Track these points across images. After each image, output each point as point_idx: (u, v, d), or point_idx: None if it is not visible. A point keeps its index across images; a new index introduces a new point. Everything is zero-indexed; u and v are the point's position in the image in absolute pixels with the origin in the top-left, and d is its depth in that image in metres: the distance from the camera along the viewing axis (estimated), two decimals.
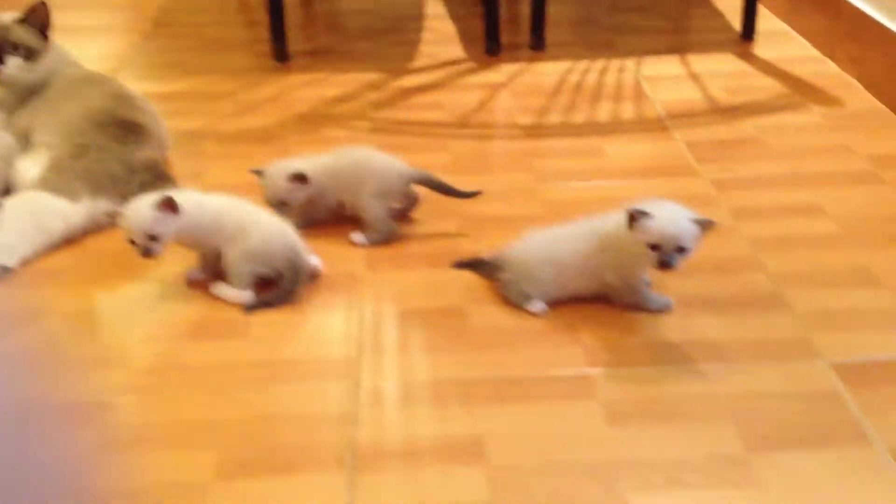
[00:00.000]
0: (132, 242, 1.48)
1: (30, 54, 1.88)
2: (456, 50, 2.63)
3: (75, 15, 1.97)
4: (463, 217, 1.75)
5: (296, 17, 2.89)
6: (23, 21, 1.88)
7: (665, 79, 2.37)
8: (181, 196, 1.49)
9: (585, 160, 1.97)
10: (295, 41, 2.61)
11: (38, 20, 1.89)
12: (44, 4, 1.89)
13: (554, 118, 2.18)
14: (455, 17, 2.89)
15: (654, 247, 1.35)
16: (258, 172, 1.71)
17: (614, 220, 1.45)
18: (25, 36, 1.87)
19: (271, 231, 1.54)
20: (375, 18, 2.89)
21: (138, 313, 1.51)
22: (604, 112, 2.20)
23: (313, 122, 2.19)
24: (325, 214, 1.74)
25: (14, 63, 1.86)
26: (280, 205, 1.66)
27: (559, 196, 1.83)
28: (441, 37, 2.73)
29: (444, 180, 1.71)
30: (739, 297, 1.49)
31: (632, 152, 1.99)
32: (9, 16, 1.90)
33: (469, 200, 1.74)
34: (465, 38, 2.72)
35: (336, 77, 2.45)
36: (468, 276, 1.58)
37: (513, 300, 1.49)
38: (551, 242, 1.49)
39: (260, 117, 2.22)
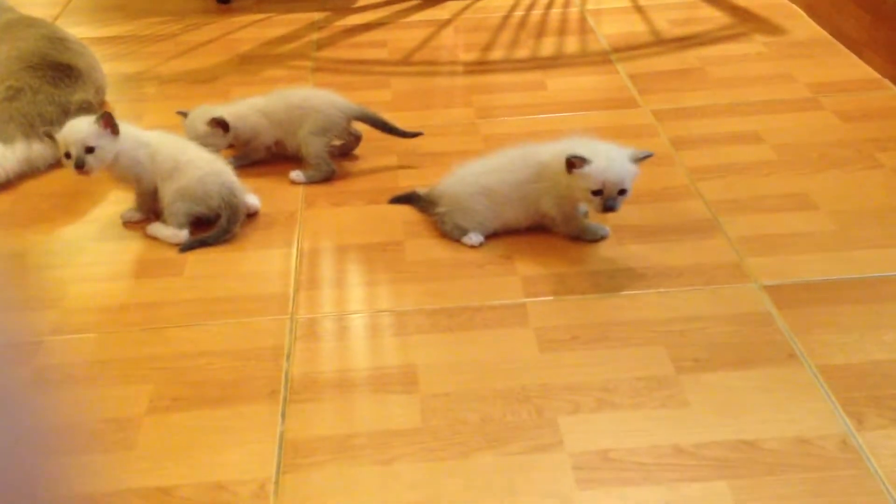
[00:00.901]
0: (67, 156, 1.45)
1: None
2: None
3: None
4: (403, 153, 1.74)
5: None
6: None
7: (610, 12, 2.35)
8: (125, 127, 1.48)
9: (527, 95, 1.96)
10: None
11: None
12: None
13: (497, 54, 2.16)
14: None
15: (596, 192, 1.35)
16: (183, 114, 1.68)
17: (549, 149, 1.44)
18: None
19: (207, 171, 1.52)
20: None
21: (74, 255, 1.49)
22: (548, 47, 2.18)
23: (255, 62, 2.16)
24: (263, 154, 1.72)
25: None
26: None
27: (499, 131, 1.83)
28: None
29: (385, 118, 1.69)
30: (676, 224, 1.50)
31: (574, 86, 1.98)
32: None
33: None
34: None
35: (278, 18, 2.41)
36: (407, 210, 1.58)
37: (449, 234, 1.49)
38: (483, 174, 1.48)
39: (201, 59, 2.18)
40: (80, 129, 1.45)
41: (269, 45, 2.25)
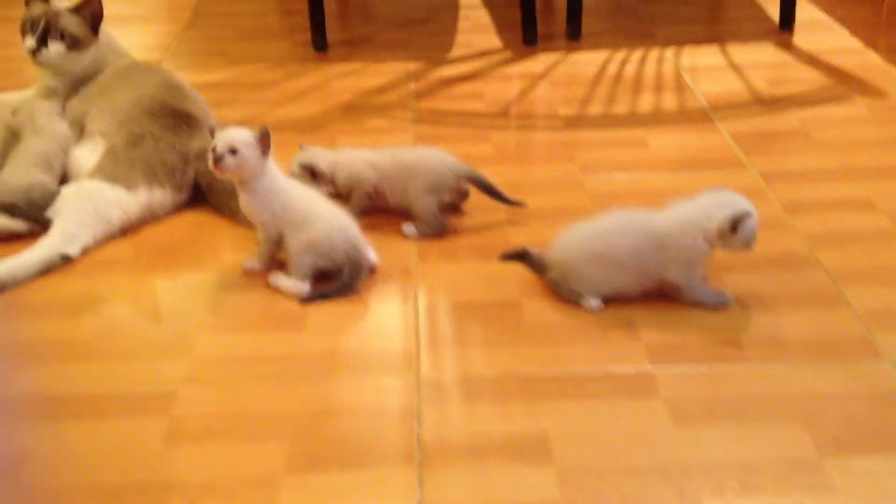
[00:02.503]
0: (213, 150, 1.50)
1: (74, 43, 1.89)
2: (492, 39, 2.63)
3: (114, 3, 1.97)
4: (510, 210, 1.76)
5: (330, 5, 2.89)
6: (74, 10, 1.89)
7: (705, 69, 2.37)
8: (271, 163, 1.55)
9: (629, 151, 1.97)
10: (332, 30, 2.61)
11: (90, 12, 1.90)
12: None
13: (595, 109, 2.18)
14: (489, 5, 2.89)
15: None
16: (302, 147, 1.76)
17: (668, 218, 1.46)
18: (73, 25, 1.88)
19: (334, 225, 1.55)
20: (409, 7, 2.88)
21: (198, 303, 1.53)
22: (645, 103, 2.20)
23: (356, 111, 2.20)
24: (367, 203, 1.75)
25: (55, 49, 1.87)
26: None
27: (604, 188, 1.84)
28: (477, 26, 2.73)
29: (491, 181, 1.72)
30: (797, 294, 1.50)
31: (676, 144, 1.99)
32: (64, 2, 1.91)
33: (516, 192, 1.75)
34: (501, 26, 2.71)
35: (375, 66, 2.45)
36: (519, 268, 1.59)
37: (565, 298, 1.50)
38: (593, 238, 1.49)
39: (303, 107, 2.22)
40: (234, 132, 1.51)
41: (369, 95, 2.29)
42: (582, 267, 1.47)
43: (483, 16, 2.80)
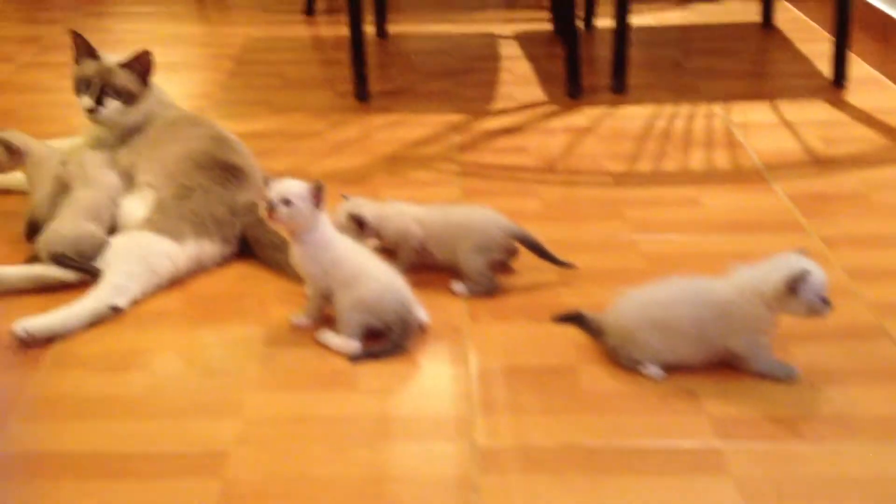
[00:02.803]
0: (267, 200, 1.48)
1: (129, 98, 1.90)
2: (535, 91, 2.61)
3: (158, 51, 1.97)
4: (561, 269, 1.71)
5: (371, 55, 2.89)
6: (125, 66, 1.90)
7: (757, 126, 2.33)
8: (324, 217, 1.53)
9: (682, 211, 1.93)
10: (372, 80, 2.59)
11: (141, 66, 1.91)
12: (147, 53, 1.91)
13: (644, 165, 2.15)
14: (531, 57, 2.87)
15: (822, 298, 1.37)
16: (346, 197, 1.73)
17: (729, 285, 1.42)
18: (126, 80, 1.89)
19: (384, 283, 1.52)
20: (450, 58, 2.88)
21: (246, 359, 1.50)
22: (696, 160, 2.16)
23: (400, 163, 2.18)
24: (414, 258, 1.72)
25: (113, 106, 1.88)
26: None
27: (658, 249, 1.80)
28: (519, 78, 2.71)
29: (539, 239, 1.69)
30: (867, 366, 1.44)
31: (730, 204, 1.95)
32: (113, 59, 1.91)
33: (566, 251, 1.72)
34: (544, 79, 2.70)
35: (417, 118, 2.43)
36: (573, 331, 1.55)
37: (623, 364, 1.45)
38: (653, 306, 1.44)
39: (347, 158, 2.21)
40: (289, 183, 1.49)
41: (412, 147, 2.27)
42: (642, 335, 1.43)
43: (524, 67, 2.79)
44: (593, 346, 1.51)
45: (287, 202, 1.48)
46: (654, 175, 2.10)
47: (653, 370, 1.43)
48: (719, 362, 1.43)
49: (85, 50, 1.91)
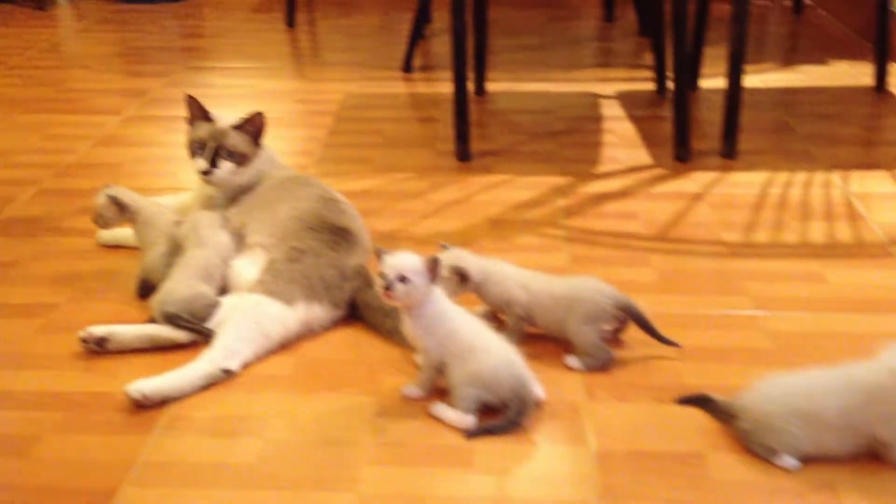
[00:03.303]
0: (381, 276, 1.45)
1: (241, 160, 1.90)
2: (641, 154, 2.55)
3: (257, 107, 1.97)
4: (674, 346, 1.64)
5: (471, 113, 2.87)
6: (239, 128, 1.90)
7: (877, 197, 2.23)
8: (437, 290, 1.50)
9: (806, 286, 1.85)
10: (473, 139, 2.57)
11: (254, 128, 1.92)
12: (261, 115, 1.92)
13: (761, 235, 2.07)
14: (634, 118, 2.82)
15: None
16: (444, 247, 1.69)
17: (879, 367, 1.33)
18: (240, 142, 1.90)
19: (500, 358, 1.47)
20: (551, 118, 2.84)
21: (358, 430, 1.46)
22: (816, 232, 2.07)
23: (504, 226, 2.14)
24: (523, 326, 1.67)
25: (226, 167, 1.89)
26: None
27: (782, 327, 1.71)
28: (623, 140, 2.66)
29: (653, 311, 1.63)
30: None
31: (858, 281, 1.86)
32: (227, 120, 1.92)
33: (685, 326, 1.65)
34: (649, 141, 2.64)
35: (521, 179, 2.40)
36: (699, 415, 1.48)
37: (756, 452, 1.37)
38: (797, 395, 1.36)
39: (450, 219, 2.17)
40: (404, 258, 1.46)
41: (517, 210, 2.22)
42: (781, 423, 1.35)
43: (628, 129, 2.73)
44: (721, 431, 1.43)
45: (403, 279, 1.44)
46: (772, 247, 2.02)
47: (788, 461, 1.34)
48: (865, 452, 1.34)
49: (199, 112, 1.93)
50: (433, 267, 1.46)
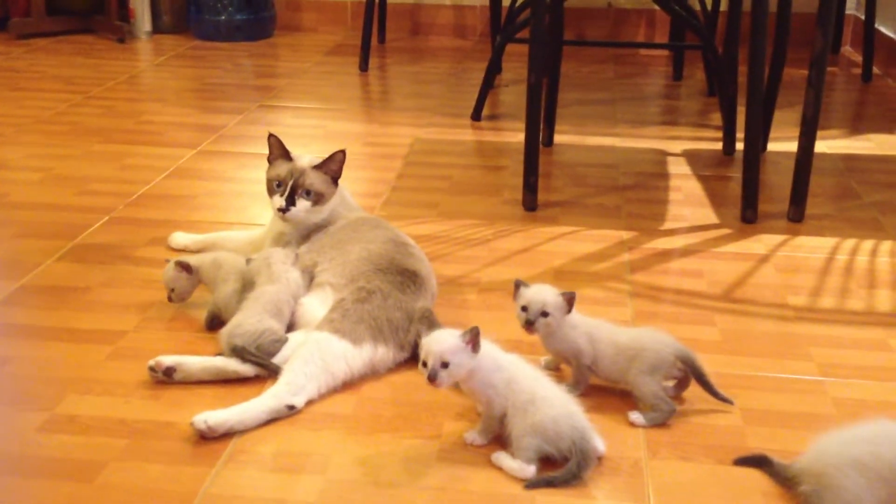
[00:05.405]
0: (423, 364, 1.47)
1: (318, 199, 1.93)
2: (707, 213, 2.55)
3: (328, 148, 2.02)
4: (740, 406, 1.63)
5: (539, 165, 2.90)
6: (318, 167, 1.94)
7: None
8: (484, 345, 1.49)
9: (872, 355, 1.82)
10: (539, 190, 2.59)
11: (333, 168, 1.95)
12: (342, 153, 1.95)
13: (827, 301, 2.05)
14: (700, 177, 2.82)
15: None
16: (522, 284, 1.67)
17: None
18: (318, 182, 1.93)
19: (561, 410, 1.48)
20: (617, 173, 2.85)
21: (418, 474, 1.46)
22: (883, 301, 2.05)
23: (569, 278, 2.15)
24: (588, 375, 1.67)
25: (302, 206, 1.92)
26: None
27: (847, 394, 1.69)
28: (689, 198, 2.66)
29: (714, 369, 1.62)
30: None
31: None
32: (307, 159, 1.97)
33: (748, 387, 1.65)
34: (715, 200, 2.64)
35: (586, 232, 2.41)
36: (757, 475, 1.46)
37: None
38: (855, 447, 1.34)
39: (516, 268, 2.19)
40: (443, 340, 1.47)
41: (581, 262, 2.23)
42: (843, 480, 1.32)
43: (695, 187, 2.74)
44: (783, 495, 1.41)
45: (445, 364, 1.46)
46: (838, 312, 2.00)
47: None
48: None
49: (279, 150, 1.97)
50: (474, 338, 1.47)
